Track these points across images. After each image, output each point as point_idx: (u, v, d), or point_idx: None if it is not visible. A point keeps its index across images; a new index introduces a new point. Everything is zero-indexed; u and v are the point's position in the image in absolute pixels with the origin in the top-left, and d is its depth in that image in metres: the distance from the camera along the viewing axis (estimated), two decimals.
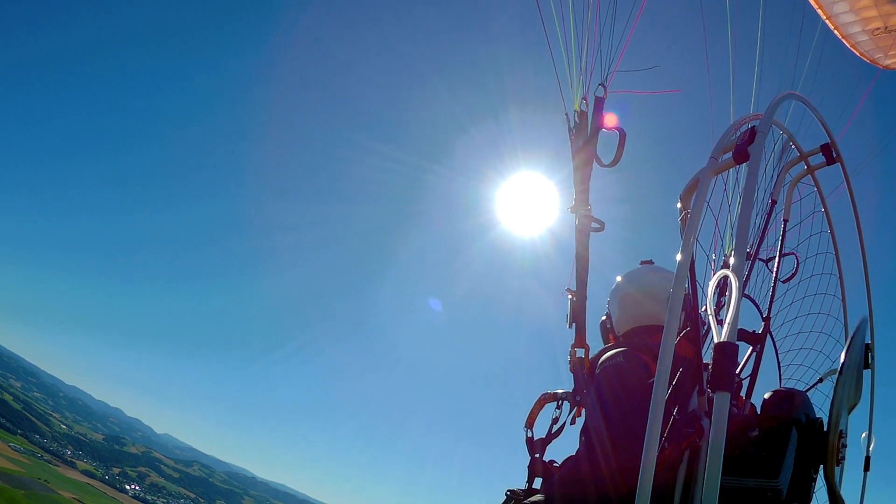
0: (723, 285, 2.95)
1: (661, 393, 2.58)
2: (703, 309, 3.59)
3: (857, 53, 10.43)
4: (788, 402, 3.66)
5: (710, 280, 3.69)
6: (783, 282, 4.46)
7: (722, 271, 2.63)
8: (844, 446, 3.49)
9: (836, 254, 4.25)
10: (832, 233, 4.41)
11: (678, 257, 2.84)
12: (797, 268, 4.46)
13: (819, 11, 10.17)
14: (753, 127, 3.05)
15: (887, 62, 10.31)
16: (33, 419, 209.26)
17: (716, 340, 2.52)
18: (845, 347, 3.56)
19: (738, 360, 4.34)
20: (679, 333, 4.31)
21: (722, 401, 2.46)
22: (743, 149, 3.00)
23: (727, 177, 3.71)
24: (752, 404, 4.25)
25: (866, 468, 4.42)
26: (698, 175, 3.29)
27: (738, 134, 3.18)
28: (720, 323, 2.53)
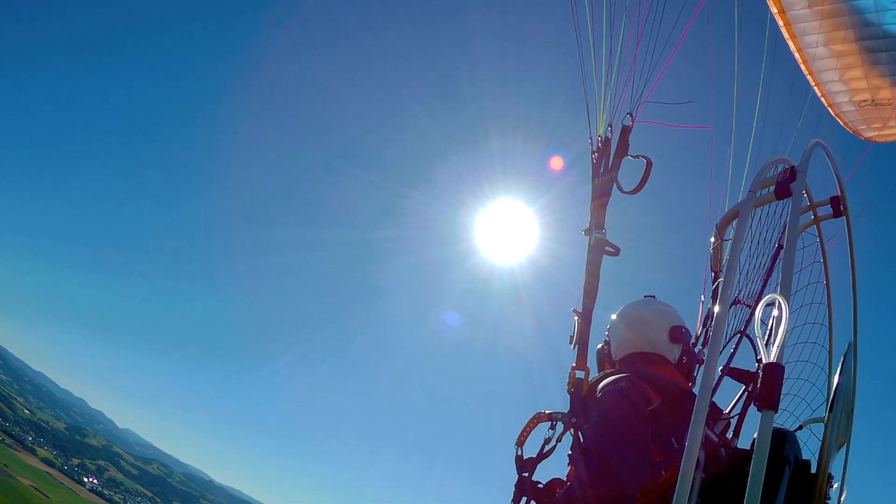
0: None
1: (699, 421, 2.62)
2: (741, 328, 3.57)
3: (842, 123, 10.65)
4: (781, 442, 3.69)
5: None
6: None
7: (772, 295, 2.73)
8: (832, 487, 3.54)
9: (829, 305, 4.34)
10: (828, 286, 4.49)
11: (717, 302, 2.90)
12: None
13: (809, 78, 10.39)
14: (794, 166, 3.18)
15: (870, 135, 10.54)
16: None
17: (765, 361, 2.61)
18: (831, 395, 3.62)
19: (726, 402, 4.38)
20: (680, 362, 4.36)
21: (767, 420, 2.60)
22: (785, 185, 3.15)
23: (754, 213, 3.76)
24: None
25: None
26: (738, 207, 3.41)
27: (774, 172, 3.29)
28: (767, 345, 2.61)
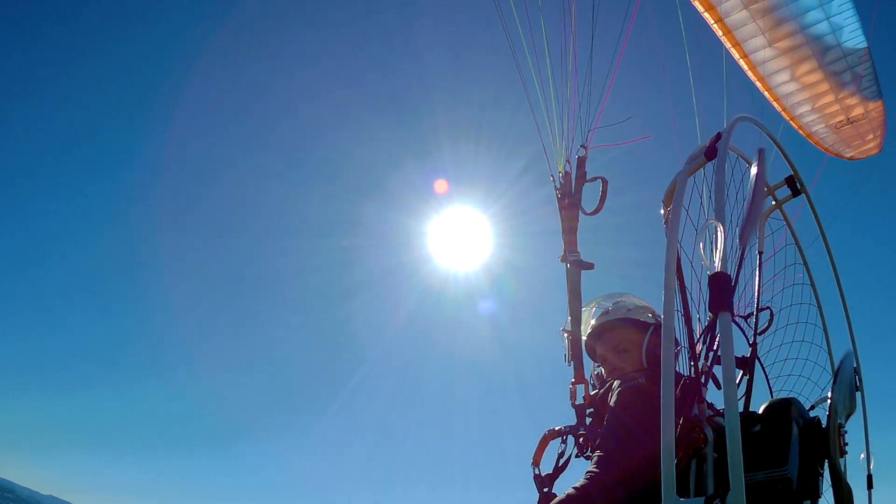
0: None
1: (668, 401, 2.56)
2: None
3: (822, 149, 10.60)
4: (786, 405, 3.56)
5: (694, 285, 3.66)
6: (759, 334, 4.37)
7: (709, 221, 2.81)
8: (846, 442, 3.40)
9: (812, 284, 4.20)
10: (806, 265, 4.38)
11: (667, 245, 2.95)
12: (770, 320, 4.37)
13: (783, 114, 10.43)
14: (719, 132, 3.26)
15: (851, 154, 10.45)
16: None
17: (709, 273, 2.67)
18: (838, 362, 3.50)
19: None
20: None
21: (725, 321, 2.59)
22: (712, 147, 3.21)
23: (703, 192, 3.78)
24: None
25: (870, 486, 4.23)
26: (676, 177, 3.43)
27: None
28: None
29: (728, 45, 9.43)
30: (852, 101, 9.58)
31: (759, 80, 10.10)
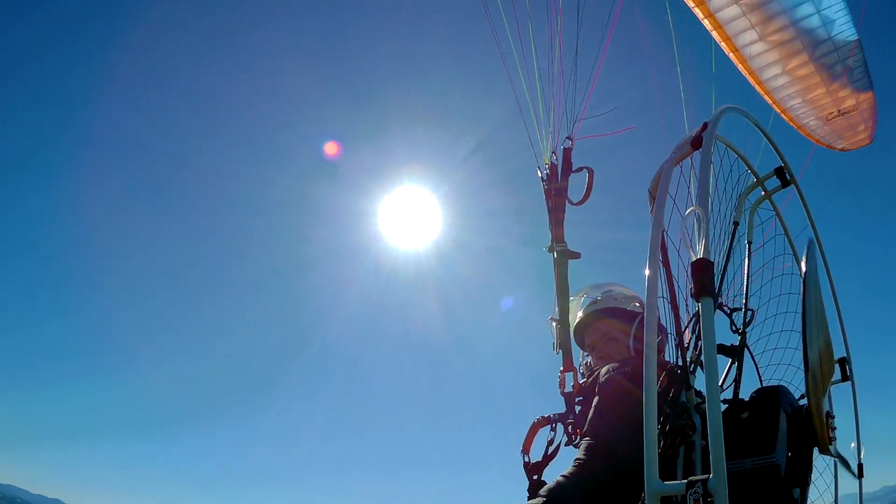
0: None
1: (651, 391, 2.55)
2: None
3: (814, 140, 10.59)
4: (774, 393, 3.55)
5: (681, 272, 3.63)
6: (745, 325, 4.35)
7: (691, 208, 2.78)
8: (834, 427, 3.39)
9: (802, 273, 4.16)
10: (795, 254, 4.35)
11: (651, 228, 2.93)
12: (753, 315, 4.34)
13: (774, 107, 10.41)
14: (706, 122, 3.22)
15: (842, 145, 10.46)
16: None
17: (692, 260, 2.65)
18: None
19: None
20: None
21: (707, 306, 2.55)
22: (698, 136, 3.17)
23: (690, 183, 3.75)
24: None
25: (860, 475, 4.21)
26: (662, 166, 3.40)
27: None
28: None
29: (718, 38, 9.43)
30: (843, 93, 9.59)
31: (749, 73, 10.10)
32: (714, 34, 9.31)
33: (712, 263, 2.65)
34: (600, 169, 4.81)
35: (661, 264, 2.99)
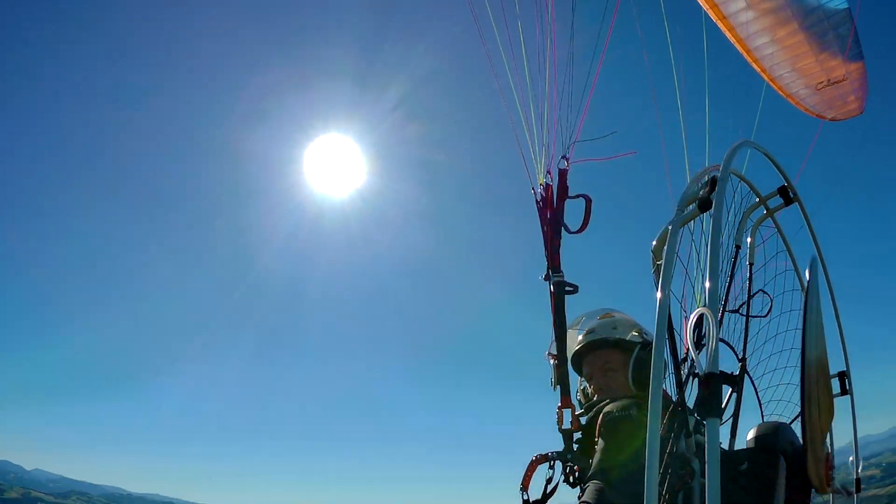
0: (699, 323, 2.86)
1: (655, 434, 2.47)
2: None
3: (803, 109, 10.40)
4: (774, 435, 3.53)
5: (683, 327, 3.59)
6: (763, 317, 4.26)
7: (699, 310, 2.58)
8: (833, 468, 3.35)
9: (803, 290, 4.06)
10: (797, 270, 4.26)
11: (658, 297, 2.77)
12: (772, 305, 4.27)
13: (763, 76, 10.19)
14: (714, 177, 3.04)
15: (832, 115, 10.27)
16: None
17: (699, 372, 2.52)
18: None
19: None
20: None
21: (713, 427, 2.44)
22: (706, 198, 2.98)
23: (693, 226, 3.61)
24: None
25: (857, 490, 4.22)
26: (667, 227, 3.25)
27: (701, 185, 3.15)
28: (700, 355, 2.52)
29: (707, 7, 9.15)
30: (833, 62, 9.36)
31: (738, 42, 9.84)
32: (702, 2, 9.03)
33: (721, 376, 2.50)
34: (598, 196, 4.55)
35: (666, 341, 2.82)
